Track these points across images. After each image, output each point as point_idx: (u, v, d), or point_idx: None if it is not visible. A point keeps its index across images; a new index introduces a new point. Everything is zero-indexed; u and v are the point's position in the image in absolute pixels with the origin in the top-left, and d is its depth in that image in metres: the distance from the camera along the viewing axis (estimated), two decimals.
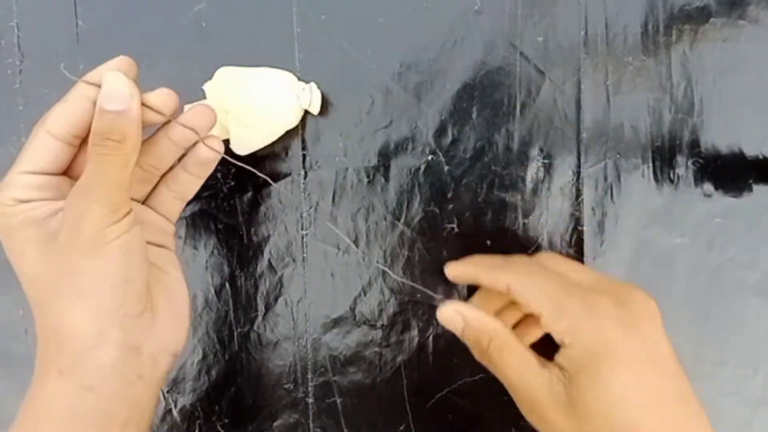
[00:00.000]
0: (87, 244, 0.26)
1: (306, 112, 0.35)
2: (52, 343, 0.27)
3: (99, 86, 0.27)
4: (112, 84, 0.27)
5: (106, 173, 0.27)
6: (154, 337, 0.28)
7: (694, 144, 0.35)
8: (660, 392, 0.27)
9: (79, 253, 0.27)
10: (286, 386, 0.36)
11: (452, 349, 0.35)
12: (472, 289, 0.35)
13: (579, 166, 0.35)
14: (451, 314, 0.31)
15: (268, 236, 0.36)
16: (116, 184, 0.27)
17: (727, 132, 0.35)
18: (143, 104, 0.28)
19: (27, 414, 0.27)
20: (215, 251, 0.36)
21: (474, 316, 0.31)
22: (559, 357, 0.29)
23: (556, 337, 0.29)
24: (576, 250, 0.36)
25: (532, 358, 0.29)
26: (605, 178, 0.35)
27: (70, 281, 0.27)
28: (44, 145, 0.28)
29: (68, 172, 0.29)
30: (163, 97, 0.28)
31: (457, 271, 0.33)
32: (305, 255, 0.36)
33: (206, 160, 0.30)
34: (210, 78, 0.33)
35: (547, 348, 0.30)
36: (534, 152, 0.35)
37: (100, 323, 0.27)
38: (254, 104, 0.33)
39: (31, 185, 0.28)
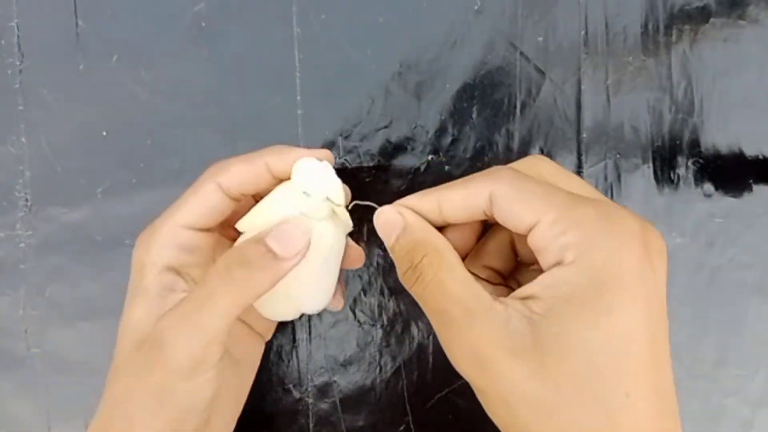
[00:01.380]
0: (155, 388, 0.24)
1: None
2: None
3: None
4: (292, 228, 0.24)
5: (211, 307, 0.24)
6: None
7: (694, 144, 0.35)
8: (660, 355, 0.22)
9: (145, 390, 0.24)
10: (285, 386, 0.36)
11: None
12: None
13: (579, 166, 0.35)
14: (391, 215, 0.25)
15: None
16: (216, 326, 0.24)
17: (727, 132, 0.35)
18: None
19: None
20: None
21: (416, 221, 0.25)
22: (534, 284, 0.22)
23: (551, 255, 0.22)
24: None
25: (478, 287, 0.23)
26: (605, 178, 0.35)
27: (130, 408, 0.25)
28: (213, 199, 0.26)
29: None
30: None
31: (409, 202, 0.26)
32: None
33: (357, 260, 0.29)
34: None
35: None
36: (534, 152, 0.35)
37: None
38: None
39: (185, 245, 0.26)
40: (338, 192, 0.27)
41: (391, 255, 0.26)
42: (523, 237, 0.24)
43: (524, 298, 0.22)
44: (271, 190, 0.27)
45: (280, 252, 0.24)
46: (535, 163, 0.26)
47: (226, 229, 0.29)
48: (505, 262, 0.28)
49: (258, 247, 0.24)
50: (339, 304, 0.30)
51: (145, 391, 0.24)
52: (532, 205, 0.23)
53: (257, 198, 0.28)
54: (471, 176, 0.25)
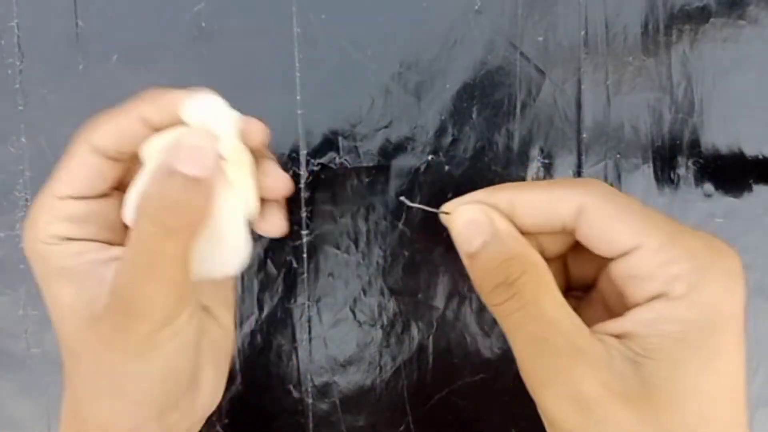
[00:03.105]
0: (139, 344, 0.22)
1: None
2: (78, 427, 0.24)
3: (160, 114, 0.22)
4: (195, 140, 0.21)
5: (163, 264, 0.21)
6: (192, 412, 0.26)
7: (695, 144, 0.35)
8: (741, 398, 0.21)
9: (127, 353, 0.22)
10: (285, 387, 0.36)
11: (452, 350, 0.35)
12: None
13: (579, 166, 0.35)
14: (478, 215, 0.22)
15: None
16: (181, 264, 0.21)
17: (728, 132, 0.35)
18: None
19: None
20: None
21: (510, 228, 0.22)
22: (630, 320, 0.19)
23: (653, 285, 0.19)
24: None
25: (579, 319, 0.20)
26: (605, 178, 0.35)
27: (109, 378, 0.23)
28: (88, 164, 0.23)
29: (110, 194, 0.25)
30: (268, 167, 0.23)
31: (481, 196, 0.23)
32: (305, 255, 0.36)
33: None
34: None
35: None
36: (534, 152, 0.35)
37: (137, 419, 0.23)
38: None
39: (73, 216, 0.23)
40: (233, 129, 0.24)
41: (464, 261, 0.22)
42: (586, 258, 0.21)
43: (620, 336, 0.20)
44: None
45: (198, 171, 0.21)
46: (590, 183, 0.23)
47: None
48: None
49: (175, 180, 0.21)
50: (275, 228, 0.26)
51: (125, 356, 0.22)
52: (634, 226, 0.20)
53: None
54: (554, 181, 0.23)
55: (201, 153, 0.21)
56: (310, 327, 0.36)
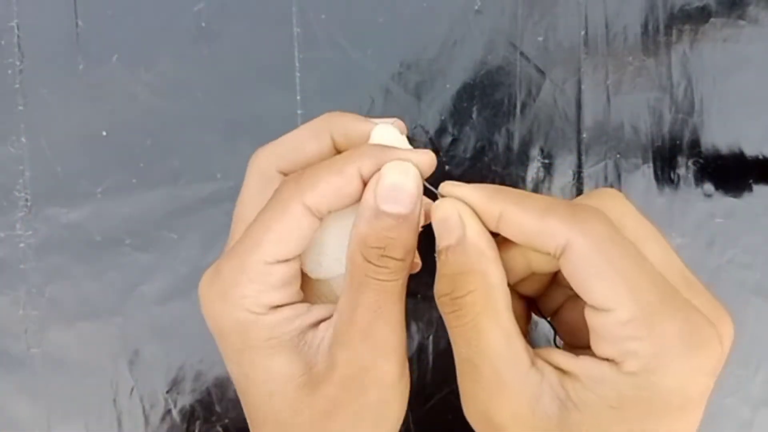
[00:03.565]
0: (367, 411, 0.21)
1: None
2: None
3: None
4: (398, 177, 0.20)
5: (386, 306, 0.20)
6: None
7: (695, 144, 0.35)
8: None
9: (357, 415, 0.21)
10: None
11: (452, 350, 0.35)
12: None
13: (579, 166, 0.35)
14: (451, 215, 0.21)
15: None
16: (400, 323, 0.21)
17: (727, 132, 0.35)
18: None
19: None
20: (216, 250, 0.36)
21: (477, 238, 0.20)
22: (580, 364, 0.20)
23: (609, 350, 0.19)
24: None
25: (519, 345, 0.20)
26: (605, 178, 0.35)
27: None
28: (303, 225, 0.21)
29: None
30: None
31: (461, 193, 0.21)
32: None
33: None
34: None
35: None
36: (534, 152, 0.35)
37: None
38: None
39: (285, 281, 0.21)
40: None
41: (436, 255, 0.22)
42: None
43: (563, 372, 0.19)
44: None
45: (403, 209, 0.20)
46: (604, 202, 0.22)
47: None
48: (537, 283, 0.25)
49: (384, 221, 0.20)
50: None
51: (354, 420, 0.21)
52: (612, 288, 0.19)
53: None
54: (551, 205, 0.20)
55: (406, 189, 0.21)
56: None
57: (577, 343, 0.23)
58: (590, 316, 0.20)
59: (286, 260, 0.21)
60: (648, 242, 0.21)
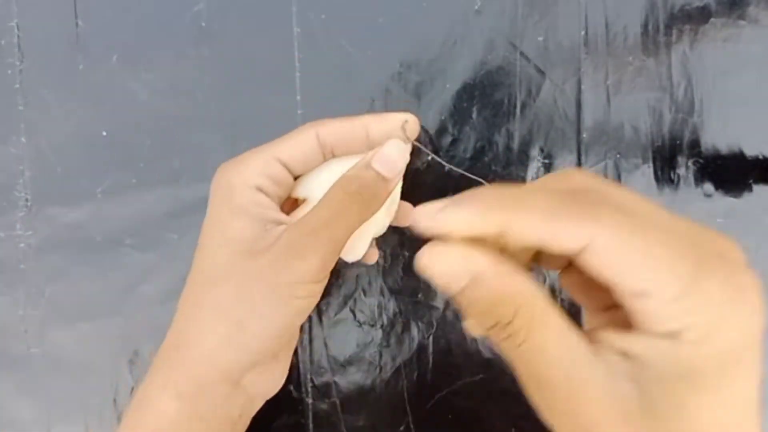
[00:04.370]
0: (281, 290, 0.26)
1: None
2: (178, 361, 0.27)
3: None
4: (394, 153, 0.28)
5: (340, 222, 0.26)
6: (263, 382, 0.28)
7: (695, 144, 0.35)
8: (751, 426, 0.20)
9: (266, 292, 0.26)
10: (285, 387, 0.36)
11: (452, 349, 0.35)
12: None
13: (579, 166, 0.35)
14: (451, 262, 0.20)
15: None
16: (341, 240, 0.26)
17: (727, 132, 0.35)
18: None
19: (136, 425, 0.26)
20: None
21: (494, 270, 0.20)
22: (640, 343, 0.19)
23: (663, 327, 0.19)
24: None
25: (579, 340, 0.19)
26: (605, 178, 0.35)
27: (239, 313, 0.26)
28: (309, 145, 0.28)
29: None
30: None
31: (454, 219, 0.20)
32: None
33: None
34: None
35: None
36: (534, 152, 0.35)
37: (238, 364, 0.26)
38: None
39: (275, 177, 0.28)
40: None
41: (455, 303, 0.21)
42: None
43: (625, 354, 0.19)
44: (360, 153, 0.29)
45: (386, 173, 0.27)
46: (578, 182, 0.22)
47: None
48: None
49: (370, 172, 0.27)
50: (374, 258, 0.33)
51: (268, 292, 0.25)
52: (649, 272, 0.19)
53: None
54: (560, 203, 0.20)
55: (395, 160, 0.27)
56: (310, 327, 0.36)
57: (593, 304, 0.23)
58: (632, 302, 0.19)
59: (285, 165, 0.28)
60: (640, 206, 0.20)
